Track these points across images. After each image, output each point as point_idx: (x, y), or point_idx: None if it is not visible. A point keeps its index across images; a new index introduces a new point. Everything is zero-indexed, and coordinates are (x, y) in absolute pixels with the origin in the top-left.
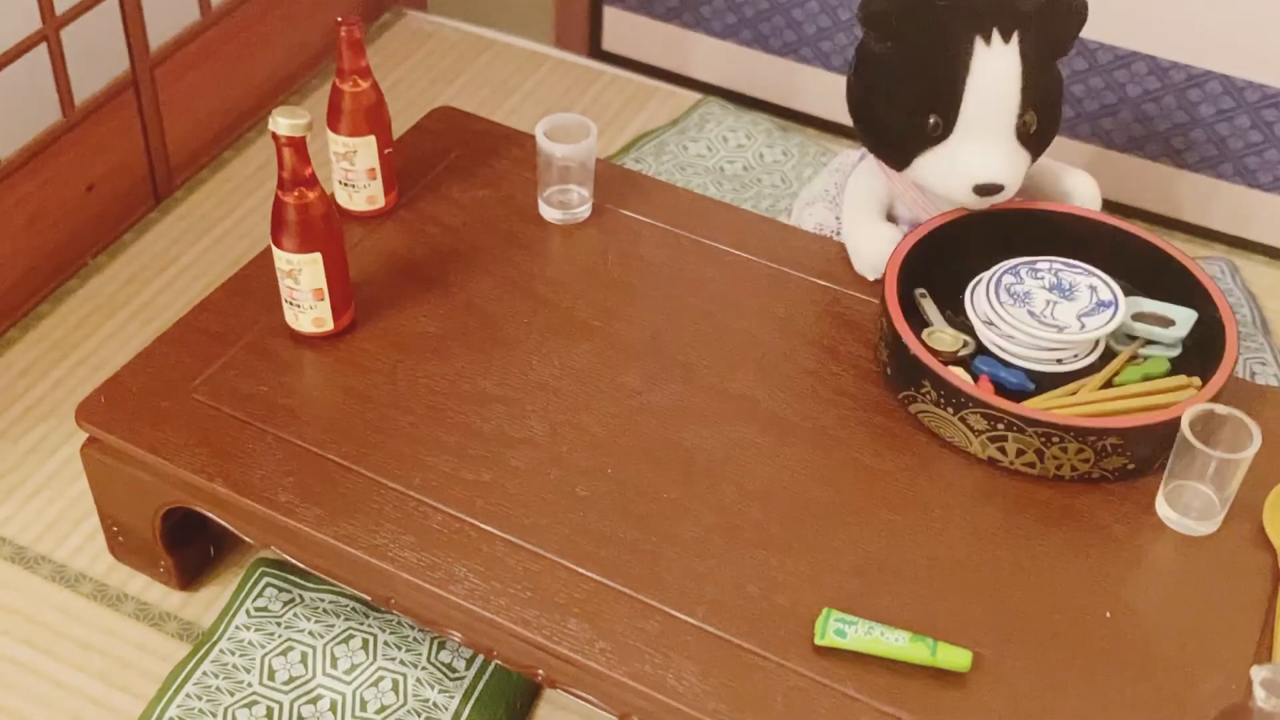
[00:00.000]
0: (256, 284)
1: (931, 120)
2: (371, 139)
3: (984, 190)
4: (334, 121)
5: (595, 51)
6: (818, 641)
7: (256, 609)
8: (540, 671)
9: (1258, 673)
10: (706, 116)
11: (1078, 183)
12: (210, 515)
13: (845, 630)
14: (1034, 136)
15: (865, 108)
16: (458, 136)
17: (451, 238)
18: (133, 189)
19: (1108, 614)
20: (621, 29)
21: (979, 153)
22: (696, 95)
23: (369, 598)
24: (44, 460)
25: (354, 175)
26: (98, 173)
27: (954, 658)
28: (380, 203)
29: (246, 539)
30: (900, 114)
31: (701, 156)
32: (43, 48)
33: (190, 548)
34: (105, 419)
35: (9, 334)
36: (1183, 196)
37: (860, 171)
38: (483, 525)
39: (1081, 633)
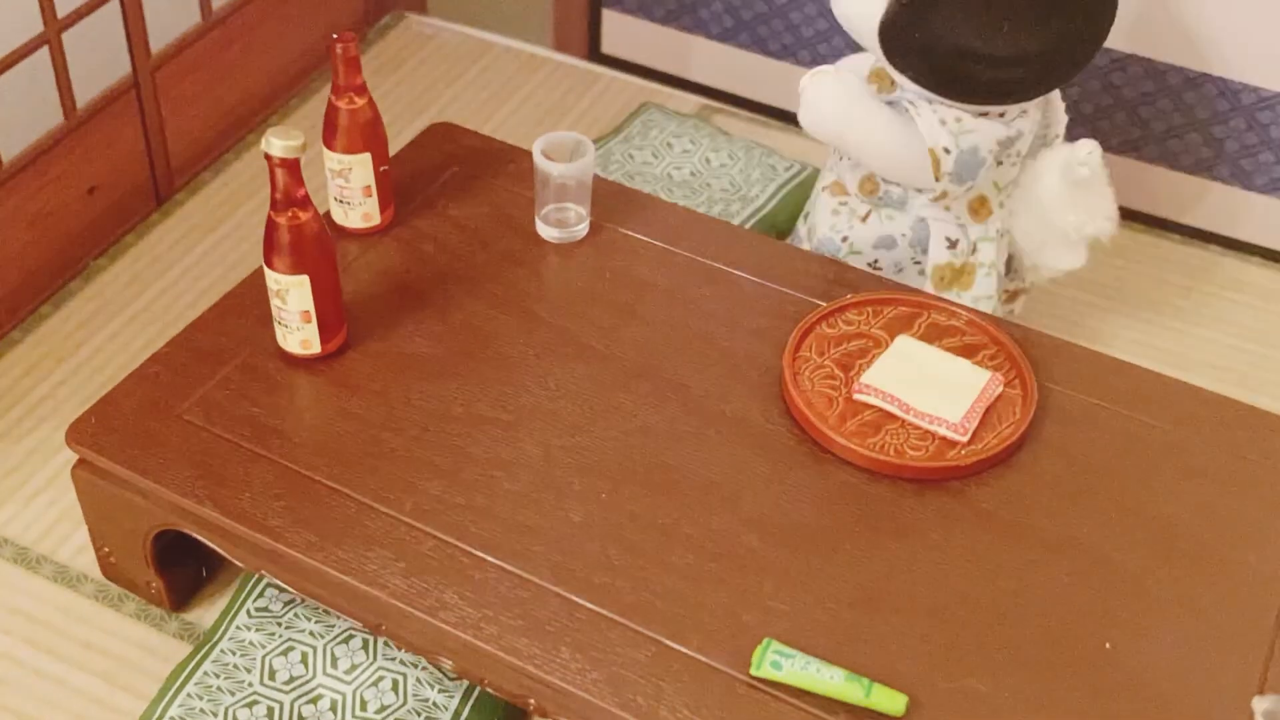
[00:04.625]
0: (249, 303)
1: None
2: (367, 156)
3: None
4: (329, 138)
5: (594, 54)
6: (753, 672)
7: (257, 609)
8: (531, 701)
9: (1259, 703)
10: (649, 123)
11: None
12: (200, 538)
13: (781, 663)
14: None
15: None
16: (455, 153)
17: (447, 256)
18: (134, 191)
19: (1107, 645)
20: (620, 32)
21: None
22: (696, 98)
23: (360, 624)
24: (46, 461)
25: (349, 192)
26: (99, 175)
27: (888, 701)
28: (376, 220)
29: (237, 563)
30: None
31: (648, 164)
32: (45, 51)
33: (182, 569)
34: (95, 440)
35: (11, 335)
36: (1179, 198)
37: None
38: (474, 551)
39: (1079, 662)
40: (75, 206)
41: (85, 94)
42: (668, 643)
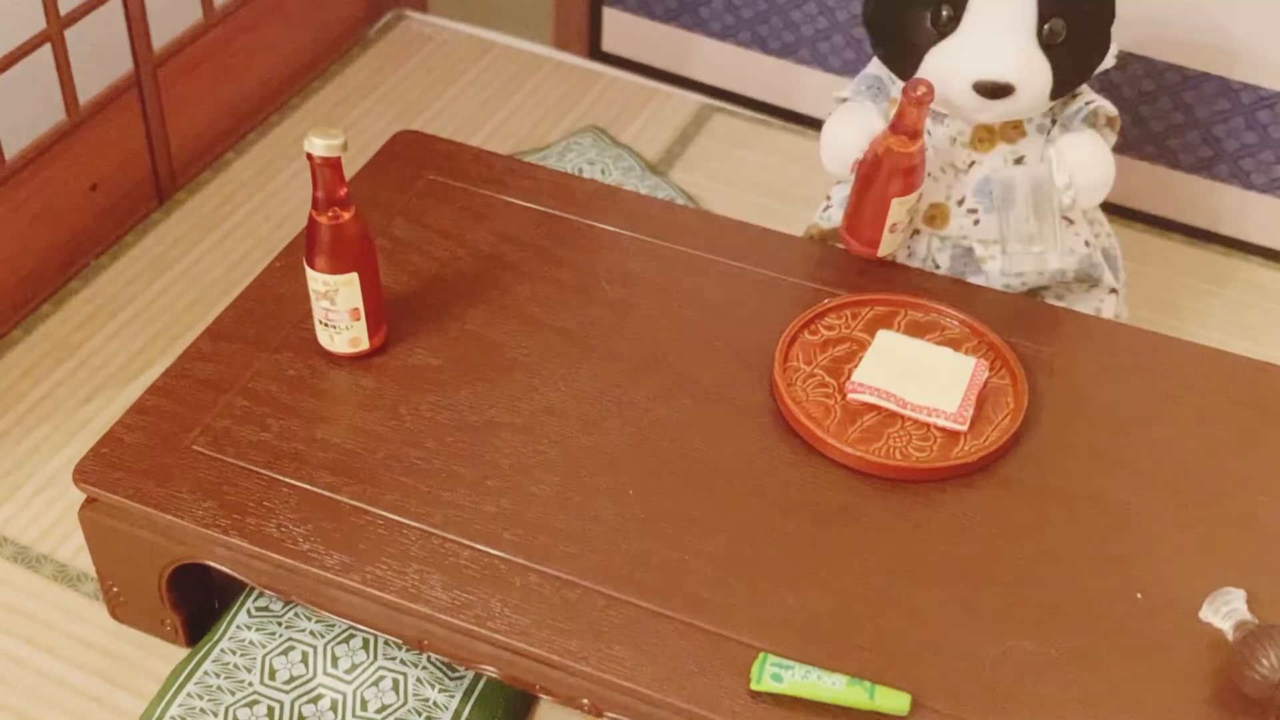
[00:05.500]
0: (240, 326)
1: (945, 12)
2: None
3: (985, 90)
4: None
5: (595, 53)
6: (754, 686)
7: (257, 609)
8: (585, 701)
9: (1219, 617)
10: (572, 145)
11: (1072, 147)
12: (225, 570)
13: (781, 675)
14: (1063, 48)
15: (878, 8)
16: (425, 160)
17: (436, 266)
18: (136, 189)
19: (1138, 595)
20: (621, 30)
21: (983, 44)
22: (697, 97)
23: (400, 641)
24: (46, 460)
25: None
26: (101, 173)
27: (891, 701)
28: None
29: (268, 592)
30: (911, 6)
31: None
32: (47, 48)
33: (194, 603)
34: (106, 479)
35: (11, 334)
36: (1180, 197)
37: (844, 110)
38: (512, 558)
39: (1114, 614)
40: (76, 204)
41: (87, 91)
42: (719, 631)
